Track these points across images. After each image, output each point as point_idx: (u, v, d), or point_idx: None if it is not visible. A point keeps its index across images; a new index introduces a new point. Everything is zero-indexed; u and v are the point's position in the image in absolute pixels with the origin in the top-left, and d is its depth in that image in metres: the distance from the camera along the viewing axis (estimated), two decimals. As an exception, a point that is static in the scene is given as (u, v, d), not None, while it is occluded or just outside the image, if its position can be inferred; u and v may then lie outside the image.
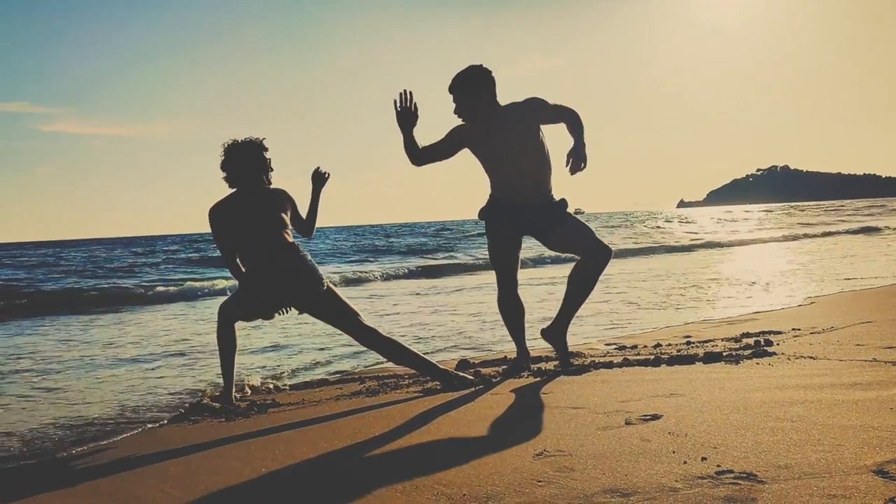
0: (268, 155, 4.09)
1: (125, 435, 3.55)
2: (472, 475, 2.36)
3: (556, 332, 4.30)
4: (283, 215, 4.07)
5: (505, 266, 4.30)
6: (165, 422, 3.79)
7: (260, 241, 3.94)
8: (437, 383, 4.06)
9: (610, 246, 4.19)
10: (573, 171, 4.10)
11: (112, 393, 4.53)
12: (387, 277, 15.31)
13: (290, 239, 4.04)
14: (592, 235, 4.18)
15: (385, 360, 4.19)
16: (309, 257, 4.01)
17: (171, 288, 13.55)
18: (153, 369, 5.34)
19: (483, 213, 4.28)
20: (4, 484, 2.84)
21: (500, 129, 4.13)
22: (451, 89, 4.16)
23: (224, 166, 4.01)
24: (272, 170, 4.11)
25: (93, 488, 2.65)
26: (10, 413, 4.10)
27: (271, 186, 4.12)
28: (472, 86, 4.12)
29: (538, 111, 4.19)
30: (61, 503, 2.52)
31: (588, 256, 4.15)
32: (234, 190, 4.05)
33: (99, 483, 2.71)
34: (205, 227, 4.08)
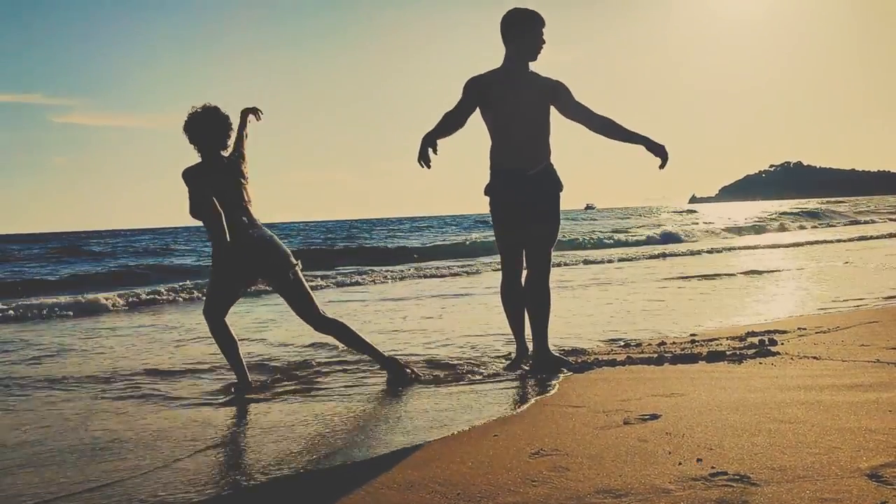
0: (230, 122, 4.16)
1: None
2: (467, 473, 2.38)
3: (541, 359, 4.21)
4: (246, 187, 4.16)
5: (509, 248, 4.28)
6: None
7: (230, 218, 4.02)
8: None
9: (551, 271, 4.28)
10: (664, 165, 4.15)
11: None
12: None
13: (255, 216, 4.14)
14: (549, 256, 4.25)
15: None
16: (276, 237, 4.17)
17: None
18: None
19: (488, 189, 4.26)
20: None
21: (520, 89, 4.14)
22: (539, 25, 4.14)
23: (186, 130, 4.10)
24: (229, 137, 4.18)
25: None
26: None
27: (226, 154, 4.19)
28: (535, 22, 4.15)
29: (560, 97, 4.20)
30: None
31: (531, 274, 4.24)
32: (200, 160, 4.13)
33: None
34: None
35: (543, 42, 4.19)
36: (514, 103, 4.13)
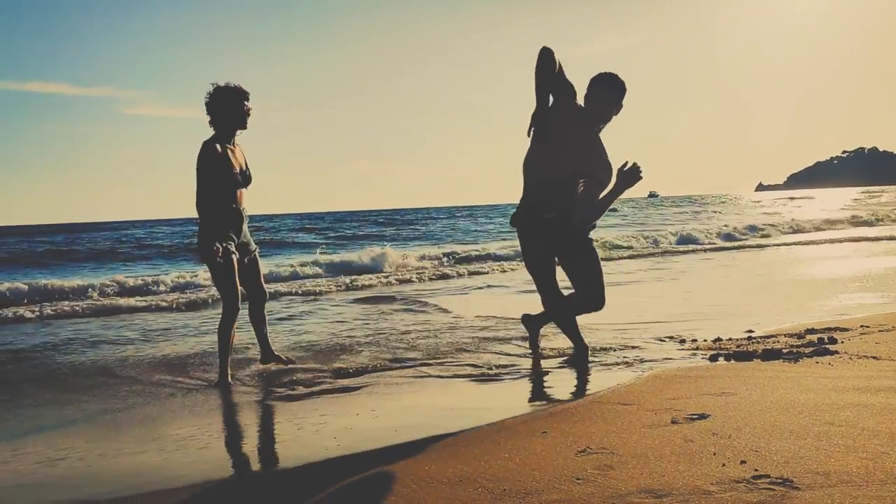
0: (248, 104, 4.40)
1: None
2: (515, 470, 2.47)
3: (579, 354, 4.51)
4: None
5: (541, 274, 4.40)
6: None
7: (234, 193, 4.43)
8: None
9: (605, 300, 4.34)
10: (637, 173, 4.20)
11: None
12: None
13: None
14: (601, 282, 4.30)
15: None
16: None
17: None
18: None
19: (515, 221, 4.42)
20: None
21: (578, 132, 4.23)
22: (618, 92, 4.20)
23: (210, 108, 4.34)
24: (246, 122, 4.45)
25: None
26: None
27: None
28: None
29: (599, 177, 4.28)
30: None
31: (584, 297, 4.31)
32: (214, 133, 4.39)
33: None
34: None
35: (613, 109, 4.23)
36: (569, 145, 4.20)
